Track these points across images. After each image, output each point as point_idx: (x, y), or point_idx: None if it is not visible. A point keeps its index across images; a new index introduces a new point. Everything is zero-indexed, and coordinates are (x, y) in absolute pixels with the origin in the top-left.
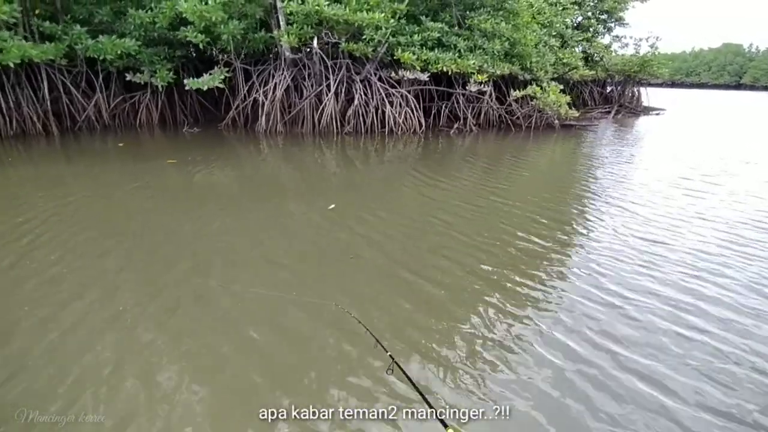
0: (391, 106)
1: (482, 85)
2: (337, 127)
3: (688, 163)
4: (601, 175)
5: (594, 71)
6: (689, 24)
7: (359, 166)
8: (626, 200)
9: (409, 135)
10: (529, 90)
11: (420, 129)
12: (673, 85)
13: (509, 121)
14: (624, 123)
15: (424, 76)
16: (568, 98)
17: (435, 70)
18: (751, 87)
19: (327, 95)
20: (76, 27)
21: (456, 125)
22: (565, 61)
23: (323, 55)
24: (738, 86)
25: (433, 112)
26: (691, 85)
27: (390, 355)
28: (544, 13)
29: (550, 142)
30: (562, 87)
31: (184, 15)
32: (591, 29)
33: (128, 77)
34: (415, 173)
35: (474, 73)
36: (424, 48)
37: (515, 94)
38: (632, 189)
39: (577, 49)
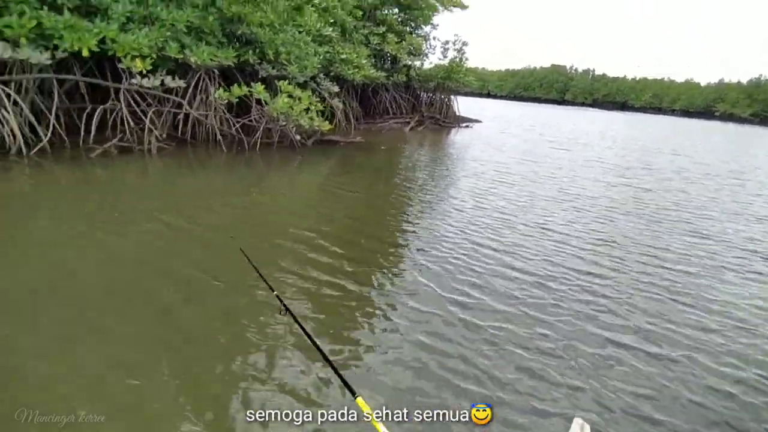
0: None
1: (173, 79)
2: None
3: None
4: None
5: (393, 75)
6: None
7: None
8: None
9: (8, 158)
10: (238, 90)
11: (30, 150)
12: (515, 98)
13: (223, 137)
14: (413, 138)
15: (44, 57)
16: (312, 103)
17: (69, 49)
18: (571, 103)
19: None
20: None
21: (111, 143)
22: (344, 57)
23: None
24: (562, 102)
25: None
26: (528, 99)
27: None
28: None
29: (287, 173)
30: (337, 89)
31: None
32: (385, 24)
33: None
34: None
35: (136, 58)
36: (41, 10)
37: (220, 94)
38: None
39: (368, 46)
